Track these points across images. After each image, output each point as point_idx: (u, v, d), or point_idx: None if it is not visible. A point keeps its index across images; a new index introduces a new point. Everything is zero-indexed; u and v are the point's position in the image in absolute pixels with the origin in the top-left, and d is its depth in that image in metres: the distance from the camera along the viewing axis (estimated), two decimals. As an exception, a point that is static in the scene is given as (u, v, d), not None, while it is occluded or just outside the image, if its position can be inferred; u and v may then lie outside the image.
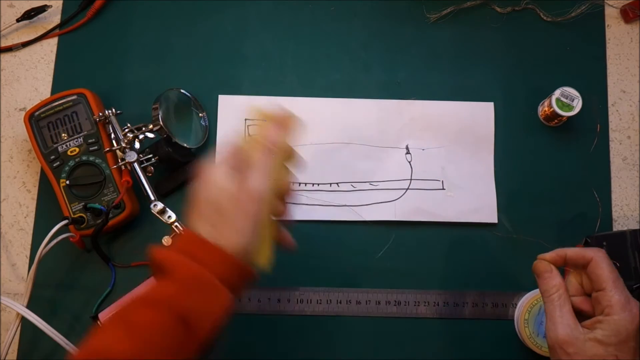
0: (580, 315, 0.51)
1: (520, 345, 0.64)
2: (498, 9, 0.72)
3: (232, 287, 0.46)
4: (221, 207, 0.47)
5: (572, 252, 0.52)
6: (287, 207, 0.52)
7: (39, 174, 0.68)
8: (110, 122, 0.64)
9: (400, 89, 0.70)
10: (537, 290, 0.63)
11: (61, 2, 0.72)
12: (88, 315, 0.64)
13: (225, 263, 0.46)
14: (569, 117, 0.66)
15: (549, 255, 0.53)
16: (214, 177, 0.48)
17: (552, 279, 0.52)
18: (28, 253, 0.66)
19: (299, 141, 0.68)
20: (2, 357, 0.61)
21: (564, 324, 0.49)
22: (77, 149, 0.64)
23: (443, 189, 0.68)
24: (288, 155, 0.51)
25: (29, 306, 0.61)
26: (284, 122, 0.51)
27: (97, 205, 0.63)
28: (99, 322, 0.62)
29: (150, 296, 0.45)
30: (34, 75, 0.71)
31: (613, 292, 0.49)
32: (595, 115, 0.70)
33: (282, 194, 0.51)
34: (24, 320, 0.61)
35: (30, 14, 0.71)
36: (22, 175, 0.68)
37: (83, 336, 0.63)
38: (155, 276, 0.48)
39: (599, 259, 0.50)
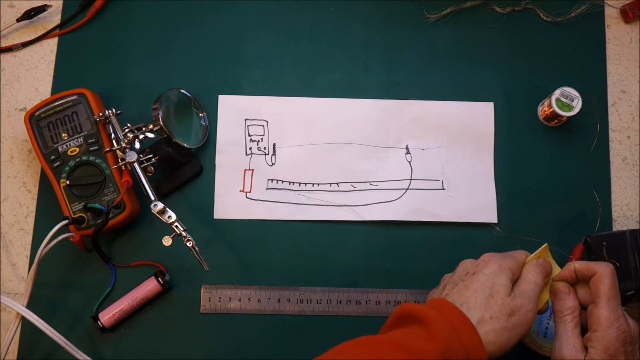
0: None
1: (520, 345, 0.64)
2: (498, 9, 0.72)
3: None
4: (501, 305, 0.50)
5: (580, 264, 0.54)
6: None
7: (39, 174, 0.68)
8: (110, 122, 0.64)
9: (400, 89, 0.70)
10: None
11: (61, 2, 0.72)
12: (88, 315, 0.64)
13: (478, 354, 0.48)
14: (569, 117, 0.66)
15: (561, 273, 0.55)
16: (497, 272, 0.52)
17: (569, 301, 0.53)
18: (28, 253, 0.66)
19: (299, 141, 0.69)
20: (2, 357, 0.61)
21: (570, 345, 0.51)
22: (78, 149, 0.64)
23: (443, 189, 0.68)
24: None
25: (29, 306, 0.61)
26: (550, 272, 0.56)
27: (97, 205, 0.63)
28: (99, 323, 0.62)
29: (407, 344, 0.47)
30: (34, 75, 0.71)
31: (604, 308, 0.50)
32: (595, 115, 0.70)
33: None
34: (24, 320, 0.61)
35: (30, 14, 0.71)
36: (22, 175, 0.68)
37: (83, 336, 0.64)
38: (404, 325, 0.50)
39: (603, 274, 0.52)
